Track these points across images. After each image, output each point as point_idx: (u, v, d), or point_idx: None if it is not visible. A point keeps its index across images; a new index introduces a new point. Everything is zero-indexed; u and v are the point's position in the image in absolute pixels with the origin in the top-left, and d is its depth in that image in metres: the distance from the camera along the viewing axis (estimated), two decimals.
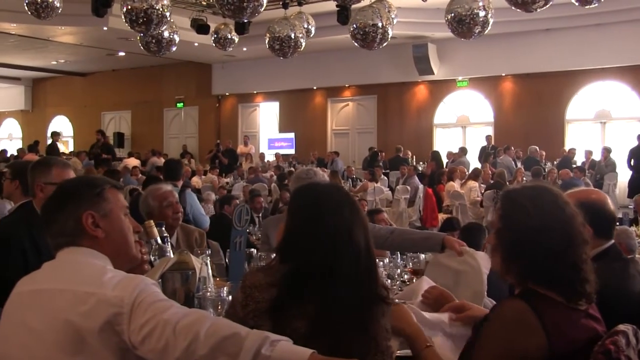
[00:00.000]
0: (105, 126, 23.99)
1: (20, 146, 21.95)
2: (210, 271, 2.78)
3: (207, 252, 3.10)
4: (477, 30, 8.08)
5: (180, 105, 22.44)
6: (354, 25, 9.22)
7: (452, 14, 8.17)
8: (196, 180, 13.88)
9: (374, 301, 2.13)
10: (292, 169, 15.58)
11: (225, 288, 2.72)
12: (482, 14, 7.98)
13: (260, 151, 20.53)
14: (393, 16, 9.46)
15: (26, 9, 9.99)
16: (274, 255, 2.30)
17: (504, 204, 2.20)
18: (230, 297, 2.54)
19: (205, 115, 22.14)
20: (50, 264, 2.08)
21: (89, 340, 1.82)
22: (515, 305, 2.04)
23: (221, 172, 16.58)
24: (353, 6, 9.56)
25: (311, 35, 11.08)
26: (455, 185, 12.70)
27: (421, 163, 16.24)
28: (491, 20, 8.08)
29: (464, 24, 8.06)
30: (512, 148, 15.39)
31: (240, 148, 20.01)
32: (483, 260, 3.14)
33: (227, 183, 14.61)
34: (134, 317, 1.81)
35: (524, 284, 2.10)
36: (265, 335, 1.73)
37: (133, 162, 16.55)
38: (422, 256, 3.47)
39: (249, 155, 19.46)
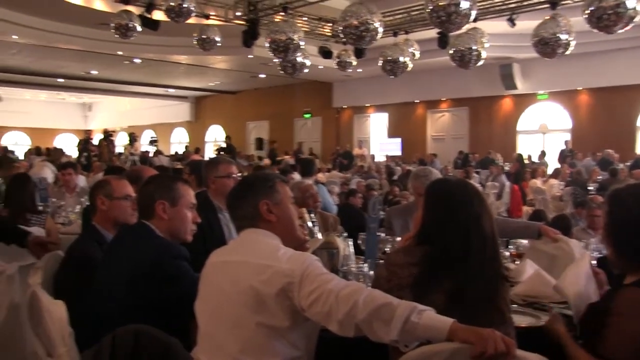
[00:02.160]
0: (248, 133, 24.54)
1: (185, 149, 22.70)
2: (352, 250, 2.75)
3: (344, 234, 3.07)
4: (560, 51, 7.73)
5: (307, 116, 22.63)
6: (453, 49, 9.01)
7: (538, 38, 7.85)
8: (321, 176, 13.91)
9: (499, 279, 2.05)
10: (399, 167, 15.44)
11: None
12: (564, 37, 7.62)
13: (372, 153, 20.45)
14: (485, 41, 9.18)
15: (195, 43, 10.36)
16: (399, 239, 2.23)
17: (611, 201, 2.06)
18: (371, 272, 2.51)
19: (327, 124, 22.23)
20: (235, 241, 2.17)
21: (268, 303, 1.86)
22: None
23: (340, 170, 16.62)
24: (451, 33, 9.34)
25: (416, 58, 10.92)
26: (538, 182, 12.28)
27: (507, 164, 15.71)
28: (573, 43, 7.71)
29: (548, 46, 7.72)
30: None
31: (356, 150, 20.01)
32: (576, 247, 2.98)
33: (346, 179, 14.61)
34: (303, 286, 1.83)
35: (636, 273, 1.95)
36: (414, 305, 1.69)
37: (268, 161, 16.83)
38: (523, 242, 3.30)
39: (362, 156, 19.44)
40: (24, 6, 12.38)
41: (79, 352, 2.11)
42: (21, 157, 16.65)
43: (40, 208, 4.93)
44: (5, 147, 17.74)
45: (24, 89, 24.28)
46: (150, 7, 9.89)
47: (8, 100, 26.45)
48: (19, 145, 24.82)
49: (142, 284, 2.24)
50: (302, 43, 9.23)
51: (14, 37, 14.27)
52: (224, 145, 20.27)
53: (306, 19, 11.73)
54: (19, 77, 20.76)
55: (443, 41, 9.81)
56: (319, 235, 2.93)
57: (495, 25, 10.58)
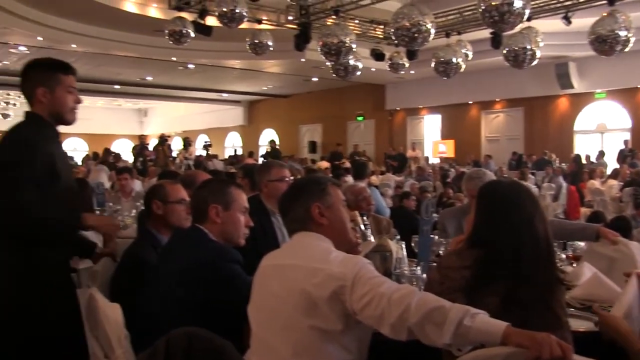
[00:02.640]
0: (302, 136, 24.67)
1: (240, 152, 22.99)
2: (405, 253, 2.73)
3: (397, 237, 3.05)
4: (618, 49, 7.49)
5: (360, 118, 22.60)
6: (507, 49, 8.86)
7: (595, 35, 7.63)
8: (374, 179, 13.88)
9: (554, 282, 2.00)
10: (453, 169, 15.26)
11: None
12: (623, 33, 7.39)
13: (425, 155, 20.28)
14: (540, 40, 8.99)
15: (247, 48, 10.50)
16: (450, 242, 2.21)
17: None
18: (424, 275, 2.49)
19: (380, 126, 22.14)
20: (287, 244, 2.19)
21: (320, 306, 1.86)
22: None
23: (393, 172, 16.53)
24: (505, 33, 9.19)
25: (469, 59, 10.78)
26: (596, 183, 11.94)
27: (563, 164, 15.34)
28: (632, 39, 7.47)
29: (606, 43, 7.50)
30: None
31: (409, 152, 19.88)
32: (636, 249, 2.88)
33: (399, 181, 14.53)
34: (355, 289, 1.82)
35: None
36: (467, 309, 1.67)
37: (324, 164, 16.86)
38: (581, 244, 3.21)
39: (416, 158, 19.30)
40: (83, 16, 12.78)
41: (134, 354, 2.16)
42: (79, 163, 17.14)
43: (98, 212, 5.07)
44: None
45: (83, 96, 24.51)
46: (203, 13, 10.06)
47: None
48: (77, 151, 25.59)
49: (195, 287, 2.28)
50: (354, 46, 9.24)
51: (73, 46, 14.74)
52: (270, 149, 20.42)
53: (358, 21, 11.74)
54: (78, 85, 21.31)
55: (496, 41, 9.66)
56: (372, 239, 2.93)
57: (550, 24, 10.35)
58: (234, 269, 2.37)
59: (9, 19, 12.16)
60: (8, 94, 23.75)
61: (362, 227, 2.96)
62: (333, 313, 1.86)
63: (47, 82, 2.63)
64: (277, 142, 23.43)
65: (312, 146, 23.30)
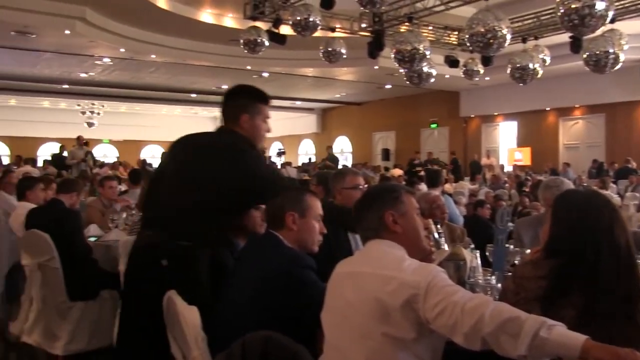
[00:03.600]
0: (375, 144, 24.64)
1: (314, 160, 23.18)
2: (479, 262, 2.70)
3: (471, 246, 3.01)
4: None
5: (433, 126, 22.38)
6: (587, 53, 8.59)
7: None
8: (447, 187, 13.69)
9: (636, 293, 1.92)
10: (529, 177, 14.86)
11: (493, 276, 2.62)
12: None
13: (500, 163, 19.86)
14: (624, 42, 8.67)
15: (321, 56, 10.60)
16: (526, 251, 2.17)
17: None
18: (498, 285, 2.45)
19: (455, 133, 21.86)
20: (361, 252, 2.19)
21: (393, 314, 1.85)
22: None
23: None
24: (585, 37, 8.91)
25: (546, 64, 10.52)
26: None
27: None
28: None
29: None
30: None
31: (484, 160, 19.54)
32: None
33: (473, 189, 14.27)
34: (428, 298, 1.81)
35: None
36: (543, 320, 1.63)
37: (397, 172, 16.77)
38: None
39: (490, 166, 18.94)
40: (162, 27, 13.26)
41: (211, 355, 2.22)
42: None
43: None
44: (144, 160, 18.92)
45: (161, 105, 25.88)
46: (277, 22, 10.23)
47: (147, 116, 28.34)
48: (155, 158, 26.44)
49: (270, 292, 2.33)
50: (427, 53, 9.19)
51: (152, 56, 15.28)
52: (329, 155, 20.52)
53: (431, 28, 11.66)
54: (157, 94, 22.16)
55: (576, 45, 9.38)
56: (446, 247, 2.90)
57: (635, 25, 9.96)
58: (308, 275, 2.40)
59: (96, 33, 12.74)
60: (93, 104, 24.82)
61: (436, 235, 2.93)
62: (406, 321, 1.85)
63: (251, 110, 2.94)
64: (351, 150, 23.52)
65: (386, 154, 23.24)
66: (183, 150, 2.96)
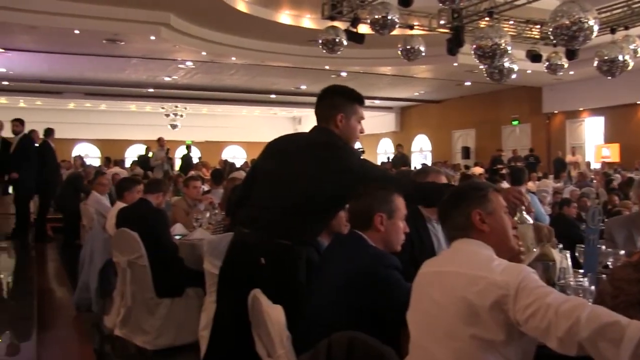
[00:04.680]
0: (454, 142, 24.24)
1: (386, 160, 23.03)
2: (570, 263, 2.59)
3: (559, 246, 2.89)
4: None
5: (515, 122, 21.77)
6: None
7: None
8: (531, 185, 13.30)
9: None
10: (618, 175, 14.24)
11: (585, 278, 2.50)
12: None
13: (587, 160, 19.10)
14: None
15: (399, 54, 10.52)
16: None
17: None
18: (592, 287, 2.34)
19: (537, 130, 21.16)
20: (448, 251, 2.13)
21: (481, 315, 1.80)
22: None
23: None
24: None
25: (638, 55, 10.03)
26: None
27: None
28: None
29: None
30: None
31: (569, 157, 18.86)
32: None
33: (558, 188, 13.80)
34: (518, 299, 1.74)
35: None
36: None
37: (478, 170, 16.43)
38: None
39: (576, 163, 18.27)
40: (242, 30, 13.51)
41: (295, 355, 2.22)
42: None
43: None
44: (226, 160, 19.33)
45: (241, 106, 26.38)
46: (355, 22, 10.21)
47: (227, 117, 28.95)
48: (236, 158, 26.97)
49: (355, 292, 2.31)
50: (509, 48, 8.94)
51: (233, 58, 15.59)
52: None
53: (513, 22, 11.34)
54: (237, 95, 22.60)
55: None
56: (533, 247, 2.80)
57: None
58: (393, 274, 2.38)
59: (179, 38, 13.12)
60: (176, 106, 25.59)
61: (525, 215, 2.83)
62: (495, 323, 1.79)
63: (346, 110, 2.95)
64: (430, 148, 23.27)
65: (466, 152, 22.82)
66: (281, 150, 3.01)
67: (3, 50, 14.41)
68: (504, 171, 14.49)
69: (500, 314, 1.78)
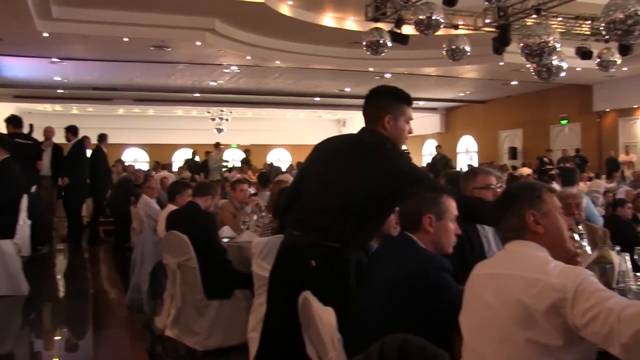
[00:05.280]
0: (501, 142, 23.87)
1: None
2: (629, 266, 2.49)
3: (616, 248, 2.80)
4: None
5: (564, 122, 21.29)
6: None
7: None
8: (582, 186, 12.98)
9: None
10: None
11: None
12: None
13: None
14: None
15: (444, 55, 10.41)
16: None
17: None
18: None
19: (587, 129, 20.63)
20: (501, 253, 2.08)
21: (537, 319, 1.74)
22: None
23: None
24: None
25: None
26: None
27: None
28: None
29: None
30: None
31: (622, 157, 18.33)
32: None
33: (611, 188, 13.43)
34: (576, 303, 1.68)
35: None
36: None
37: (526, 170, 16.15)
38: None
39: (630, 162, 17.76)
40: (286, 34, 13.60)
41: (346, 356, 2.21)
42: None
43: None
44: (271, 163, 19.45)
45: (286, 109, 26.54)
46: (399, 23, 10.14)
47: (272, 120, 29.16)
48: (281, 161, 27.11)
49: (406, 294, 2.29)
50: (557, 45, 8.74)
51: (277, 62, 15.68)
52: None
53: (561, 19, 11.09)
54: (281, 99, 22.75)
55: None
56: (588, 249, 2.71)
57: None
58: (444, 277, 2.34)
59: (224, 42, 13.28)
60: (222, 110, 25.89)
61: (576, 236, 2.75)
62: (552, 327, 1.73)
63: (394, 111, 2.92)
64: (476, 149, 23.00)
65: (513, 152, 22.44)
66: (330, 152, 3.01)
67: (59, 60, 14.85)
68: (553, 172, 14.18)
69: (558, 318, 1.72)
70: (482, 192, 3.49)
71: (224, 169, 18.03)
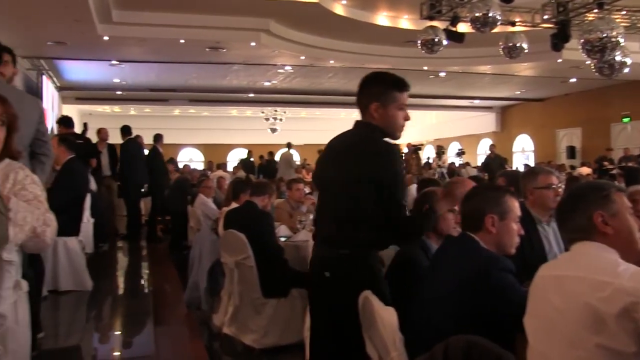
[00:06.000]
0: (559, 141, 23.30)
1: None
2: None
3: None
4: None
5: (626, 120, 20.57)
6: None
7: None
8: None
9: None
10: None
11: None
12: None
13: None
14: None
15: (500, 52, 10.25)
16: None
17: None
18: None
19: None
20: (568, 255, 2.02)
21: (608, 323, 1.69)
22: None
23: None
24: None
25: None
26: None
27: None
28: None
29: None
30: None
31: None
32: None
33: None
34: None
35: None
36: None
37: (586, 170, 15.73)
38: None
39: None
40: (340, 33, 13.61)
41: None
42: None
43: None
44: None
45: (340, 109, 26.53)
46: (455, 20, 10.04)
47: (326, 120, 29.18)
48: None
49: (468, 295, 2.26)
50: (621, 40, 8.49)
51: (331, 62, 15.70)
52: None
53: (625, 12, 10.76)
54: (335, 98, 22.74)
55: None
56: None
57: None
58: (507, 278, 2.30)
59: (278, 43, 13.39)
60: (275, 110, 26.10)
61: None
62: (623, 332, 1.67)
63: (382, 98, 2.77)
64: (532, 148, 22.61)
65: (571, 151, 21.86)
66: (326, 154, 2.98)
67: (118, 63, 15.26)
68: (614, 171, 13.77)
69: (630, 323, 1.66)
70: (543, 192, 3.43)
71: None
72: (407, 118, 2.83)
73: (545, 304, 1.91)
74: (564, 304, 1.83)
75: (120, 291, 7.73)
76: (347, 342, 2.62)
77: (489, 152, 18.96)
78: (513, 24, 10.52)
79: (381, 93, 2.78)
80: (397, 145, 2.85)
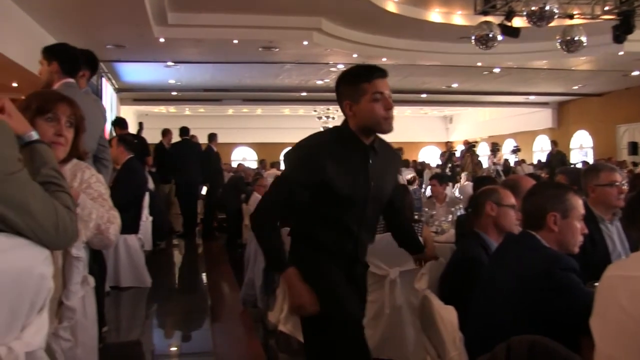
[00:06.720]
0: (619, 137, 22.61)
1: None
2: None
3: None
4: None
5: None
6: None
7: None
8: None
9: None
10: None
11: None
12: None
13: None
14: None
15: (558, 46, 10.02)
16: None
17: None
18: None
19: None
20: (638, 254, 1.93)
21: None
22: None
23: None
24: None
25: None
26: None
27: None
28: None
29: None
30: None
31: None
32: None
33: None
34: None
35: None
36: None
37: None
38: None
39: None
40: (392, 31, 13.54)
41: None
42: None
43: (416, 217, 5.34)
44: None
45: (395, 106, 26.43)
46: (510, 15, 9.85)
47: None
48: None
49: (531, 294, 2.23)
50: None
51: (383, 59, 15.60)
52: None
53: None
54: None
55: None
56: None
57: None
58: (570, 277, 2.25)
59: (330, 41, 13.41)
60: (328, 109, 26.15)
61: None
62: None
63: (351, 94, 2.60)
64: (591, 145, 22.03)
65: (633, 147, 21.16)
66: None
67: (173, 64, 15.57)
68: None
69: None
70: (605, 190, 3.35)
71: None
72: (387, 107, 2.60)
73: (614, 305, 1.84)
74: (632, 305, 1.75)
75: (177, 288, 7.89)
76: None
77: (550, 148, 18.57)
78: (571, 16, 10.24)
79: (348, 90, 2.61)
80: (326, 145, 2.69)
